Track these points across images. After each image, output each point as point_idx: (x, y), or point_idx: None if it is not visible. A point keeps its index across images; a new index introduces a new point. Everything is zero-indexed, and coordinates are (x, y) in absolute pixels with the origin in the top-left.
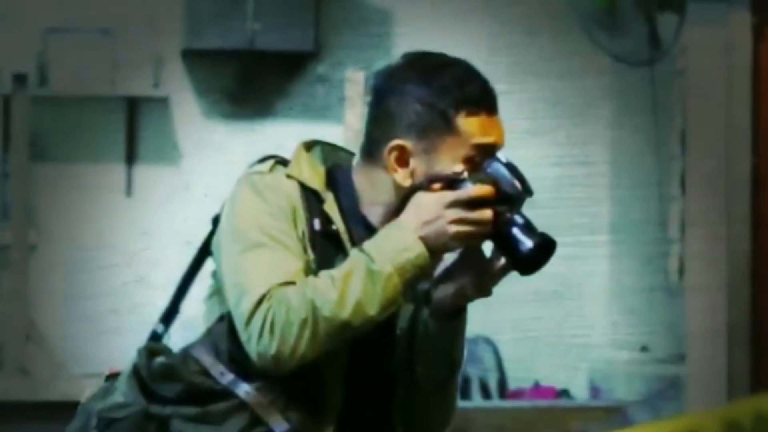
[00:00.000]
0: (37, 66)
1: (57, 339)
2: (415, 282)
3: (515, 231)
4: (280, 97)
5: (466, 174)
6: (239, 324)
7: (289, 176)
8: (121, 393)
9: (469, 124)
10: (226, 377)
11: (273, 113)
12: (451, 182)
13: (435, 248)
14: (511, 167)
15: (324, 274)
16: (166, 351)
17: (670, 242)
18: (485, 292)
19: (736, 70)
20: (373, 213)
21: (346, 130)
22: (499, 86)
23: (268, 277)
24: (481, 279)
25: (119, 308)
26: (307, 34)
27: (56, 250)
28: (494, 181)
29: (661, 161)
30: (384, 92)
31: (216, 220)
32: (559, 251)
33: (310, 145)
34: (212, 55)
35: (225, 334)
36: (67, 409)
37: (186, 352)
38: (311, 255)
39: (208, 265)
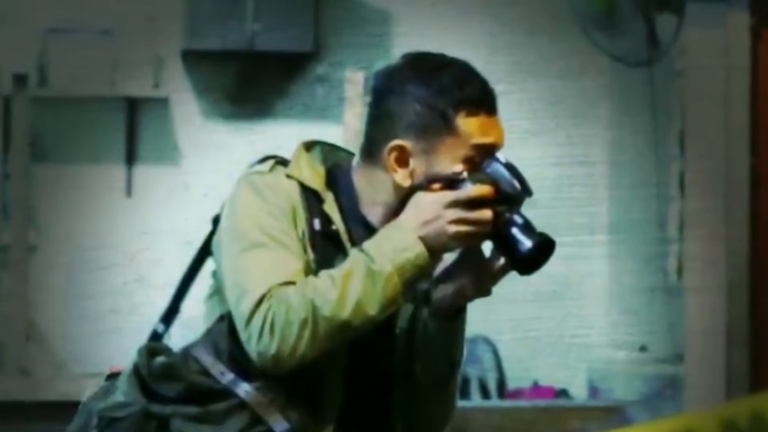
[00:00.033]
0: (38, 66)
1: (57, 339)
2: (415, 282)
3: (515, 231)
4: (279, 98)
5: (465, 174)
6: (239, 324)
7: (289, 176)
8: (122, 392)
9: (468, 125)
10: (227, 377)
11: (273, 113)
12: (451, 182)
13: (434, 248)
14: (510, 167)
15: (324, 273)
16: (167, 350)
17: (669, 242)
18: (485, 291)
19: (734, 70)
20: (372, 213)
21: (345, 130)
22: (499, 86)
23: (268, 277)
24: (480, 279)
25: (119, 308)
26: (307, 34)
27: (56, 250)
28: (494, 181)
29: (660, 161)
30: (384, 92)
31: (216, 220)
32: (559, 251)
33: (310, 146)
34: (212, 56)
35: (225, 334)
36: (68, 408)
37: (186, 352)
38: (311, 255)
39: (209, 265)
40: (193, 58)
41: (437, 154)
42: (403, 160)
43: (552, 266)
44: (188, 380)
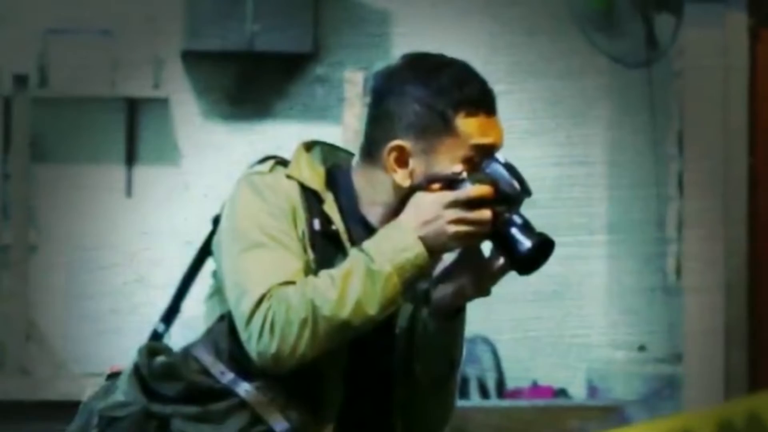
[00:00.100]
0: (38, 67)
1: (57, 339)
2: (415, 282)
3: (514, 231)
4: (279, 98)
5: (465, 174)
6: (239, 323)
7: (289, 176)
8: (122, 392)
9: (467, 125)
10: (227, 376)
11: (272, 114)
12: (450, 182)
13: (434, 248)
14: (509, 168)
15: (324, 273)
16: (167, 350)
17: (668, 242)
18: (484, 291)
19: (732, 71)
20: (372, 213)
21: (344, 130)
22: (499, 86)
23: (268, 276)
24: (480, 279)
25: (119, 308)
26: (306, 35)
27: (56, 250)
28: (493, 181)
29: (659, 162)
30: (383, 93)
31: (216, 220)
32: (559, 251)
33: (309, 146)
34: (212, 56)
35: (225, 334)
36: (68, 408)
37: (186, 352)
38: (311, 255)
39: (209, 265)
40: (192, 59)
41: (437, 155)
42: (402, 160)
43: (551, 266)
44: (188, 380)
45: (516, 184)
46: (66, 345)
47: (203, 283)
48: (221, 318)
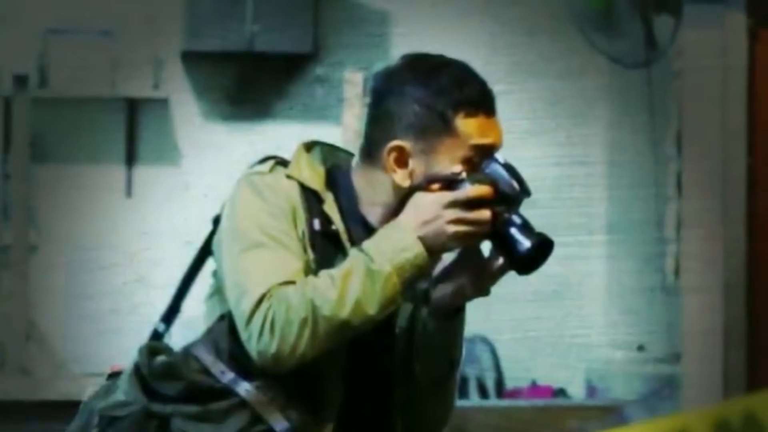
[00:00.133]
0: (38, 67)
1: (57, 339)
2: (414, 281)
3: (513, 231)
4: (279, 98)
5: (464, 174)
6: (240, 323)
7: (289, 177)
8: (123, 391)
9: (467, 125)
10: (227, 376)
11: (272, 114)
12: (450, 183)
13: (434, 248)
14: (509, 168)
15: (324, 273)
16: (167, 350)
17: (666, 242)
18: (483, 291)
19: (731, 71)
20: (372, 213)
21: (344, 130)
22: (499, 86)
23: (269, 276)
24: (479, 278)
25: (119, 308)
26: (306, 35)
27: (57, 250)
28: (492, 181)
29: (658, 162)
30: (383, 93)
31: (217, 220)
32: (559, 251)
33: (310, 146)
34: (212, 57)
35: (225, 333)
36: (68, 408)
37: (187, 351)
38: (311, 255)
39: (209, 264)
40: (192, 59)
41: (436, 155)
42: (402, 160)
43: (551, 266)
44: (189, 379)
45: (515, 185)
46: (66, 345)
47: (203, 282)
48: (221, 318)
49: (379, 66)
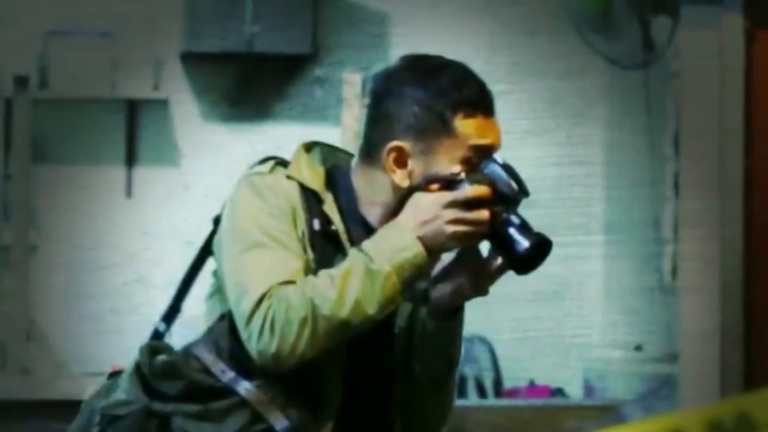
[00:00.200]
0: (38, 68)
1: (58, 338)
2: (413, 281)
3: (512, 231)
4: (278, 99)
5: (463, 175)
6: (240, 323)
7: (289, 177)
8: (124, 390)
9: (466, 126)
10: (227, 375)
11: (272, 115)
12: (449, 183)
13: (433, 248)
14: (507, 168)
15: (323, 273)
16: (168, 349)
17: (664, 243)
18: (482, 291)
19: (729, 72)
20: (371, 213)
21: (344, 131)
22: (499, 86)
23: (269, 276)
24: (478, 278)
25: (120, 308)
26: (306, 35)
27: (57, 251)
28: (491, 181)
29: (656, 162)
30: (382, 94)
31: (217, 221)
32: (558, 251)
33: (309, 147)
34: (211, 57)
35: (226, 333)
36: (68, 407)
37: (187, 351)
38: (311, 255)
39: (209, 264)
40: (192, 60)
41: (435, 155)
42: (401, 161)
43: (550, 266)
44: (189, 378)
45: (514, 185)
46: (66, 345)
47: (204, 282)
48: (222, 317)
49: (378, 67)
